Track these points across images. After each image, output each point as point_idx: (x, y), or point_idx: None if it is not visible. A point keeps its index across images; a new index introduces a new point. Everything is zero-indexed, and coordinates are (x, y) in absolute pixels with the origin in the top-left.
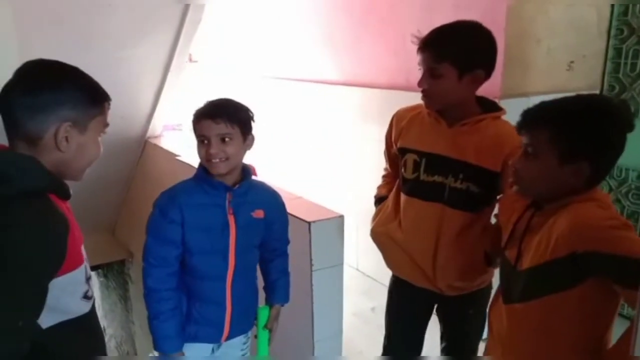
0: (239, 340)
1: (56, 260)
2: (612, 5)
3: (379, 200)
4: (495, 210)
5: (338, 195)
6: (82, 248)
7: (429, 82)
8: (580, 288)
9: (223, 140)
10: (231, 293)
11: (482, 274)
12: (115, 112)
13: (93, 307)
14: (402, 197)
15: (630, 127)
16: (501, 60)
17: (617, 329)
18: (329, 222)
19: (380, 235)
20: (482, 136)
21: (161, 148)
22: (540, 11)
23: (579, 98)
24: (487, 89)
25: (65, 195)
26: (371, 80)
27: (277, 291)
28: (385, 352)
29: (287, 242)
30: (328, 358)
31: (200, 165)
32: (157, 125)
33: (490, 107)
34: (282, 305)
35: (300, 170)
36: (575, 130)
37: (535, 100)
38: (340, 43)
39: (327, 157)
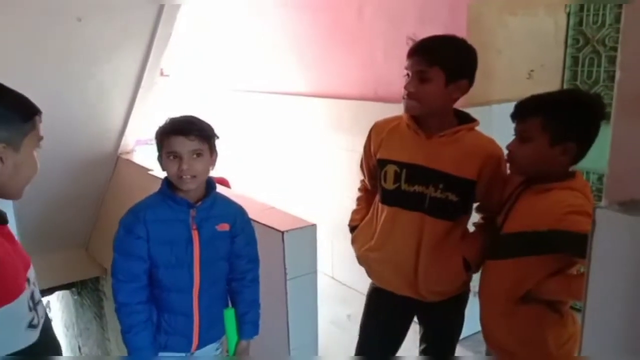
0: (212, 347)
1: None
2: (568, 16)
3: (354, 228)
4: (472, 219)
5: (312, 205)
6: (29, 272)
7: (416, 86)
8: (545, 258)
9: (195, 156)
10: (198, 304)
11: (461, 279)
12: (86, 128)
13: (44, 332)
14: (382, 207)
15: (604, 116)
16: None
17: None
18: (302, 231)
19: (365, 257)
20: (459, 147)
21: (134, 163)
22: (500, 22)
23: (563, 91)
24: None
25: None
26: (341, 92)
27: (246, 326)
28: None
29: (257, 262)
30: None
31: (165, 179)
32: (129, 141)
33: (465, 118)
34: (252, 339)
35: (274, 181)
36: (563, 118)
37: (498, 109)
38: (310, 56)
39: (300, 168)
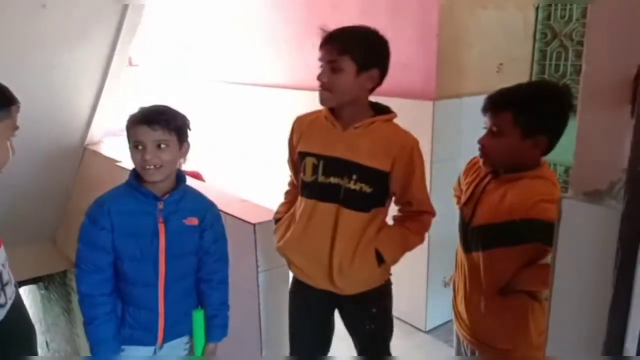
0: (180, 340)
1: None
2: (537, 11)
3: (278, 221)
4: (391, 213)
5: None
6: None
7: (328, 76)
8: (519, 248)
9: (159, 146)
10: (164, 299)
11: (375, 272)
12: (52, 119)
13: (13, 313)
14: (301, 200)
15: (572, 108)
16: (435, 64)
17: None
18: (274, 224)
19: (283, 249)
20: (374, 138)
21: (101, 154)
22: (471, 16)
23: (533, 84)
24: (422, 90)
25: None
26: (315, 84)
27: (215, 329)
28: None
29: (225, 262)
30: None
31: (133, 170)
32: (96, 132)
33: (382, 110)
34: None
35: (248, 173)
36: (535, 111)
37: (468, 102)
38: (285, 47)
39: (273, 160)
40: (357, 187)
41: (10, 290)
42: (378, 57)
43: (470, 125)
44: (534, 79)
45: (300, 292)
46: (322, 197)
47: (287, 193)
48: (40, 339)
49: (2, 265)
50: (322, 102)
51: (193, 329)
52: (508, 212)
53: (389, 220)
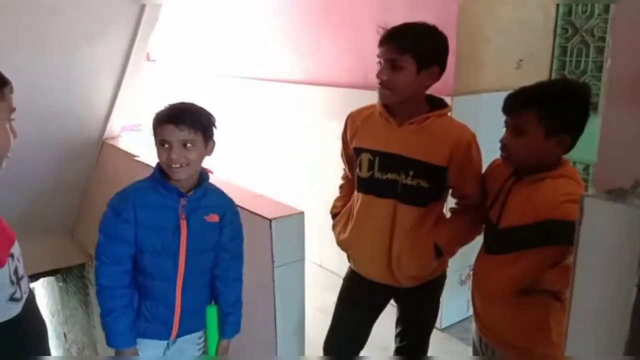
0: (194, 336)
1: None
2: (557, 6)
3: (335, 215)
4: (448, 205)
5: (301, 192)
6: (13, 249)
7: (389, 74)
8: (545, 249)
9: (185, 145)
10: (181, 294)
11: (433, 264)
12: (70, 114)
13: (27, 308)
14: (357, 196)
15: (591, 106)
16: (453, 59)
17: None
18: (290, 219)
19: (343, 244)
20: (429, 134)
21: (119, 149)
22: (490, 11)
23: (554, 82)
24: (440, 87)
25: None
26: (331, 79)
27: (229, 326)
28: (329, 340)
29: (240, 261)
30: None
31: (158, 165)
32: (114, 126)
33: (437, 104)
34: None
35: (263, 169)
36: (559, 109)
37: (486, 98)
38: (301, 42)
39: (290, 155)
40: (414, 182)
41: (24, 284)
42: (438, 54)
43: (488, 121)
44: (554, 75)
45: (357, 282)
46: (379, 193)
47: (342, 187)
48: (58, 330)
49: (18, 259)
50: (382, 98)
51: (207, 325)
52: (533, 214)
53: (446, 212)
